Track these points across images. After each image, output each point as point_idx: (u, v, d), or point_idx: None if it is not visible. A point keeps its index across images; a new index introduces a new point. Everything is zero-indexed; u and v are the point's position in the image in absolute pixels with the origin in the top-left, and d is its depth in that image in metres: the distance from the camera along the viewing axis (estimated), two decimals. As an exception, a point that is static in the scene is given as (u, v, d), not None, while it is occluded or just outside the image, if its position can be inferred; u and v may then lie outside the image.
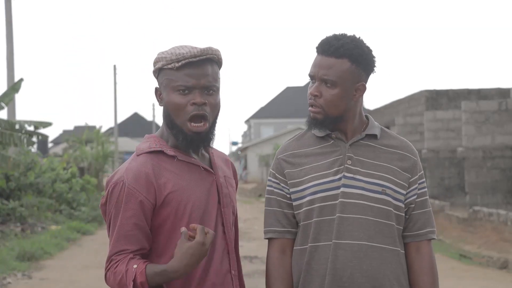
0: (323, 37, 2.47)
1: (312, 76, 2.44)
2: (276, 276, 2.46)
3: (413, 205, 2.48)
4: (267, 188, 2.55)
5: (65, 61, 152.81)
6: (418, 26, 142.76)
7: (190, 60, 2.37)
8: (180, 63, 2.37)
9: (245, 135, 68.36)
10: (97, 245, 14.09)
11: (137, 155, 2.44)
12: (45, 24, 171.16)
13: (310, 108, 2.44)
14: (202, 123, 2.39)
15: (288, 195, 2.48)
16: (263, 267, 8.98)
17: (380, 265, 2.38)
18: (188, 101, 2.38)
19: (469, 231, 14.26)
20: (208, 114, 2.40)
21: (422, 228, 2.49)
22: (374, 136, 2.49)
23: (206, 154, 2.54)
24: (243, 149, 57.39)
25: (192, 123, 2.38)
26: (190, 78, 2.37)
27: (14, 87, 14.76)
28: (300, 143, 2.53)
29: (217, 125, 2.49)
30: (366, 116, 2.54)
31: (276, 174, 2.51)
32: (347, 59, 2.39)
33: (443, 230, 15.26)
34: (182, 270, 2.21)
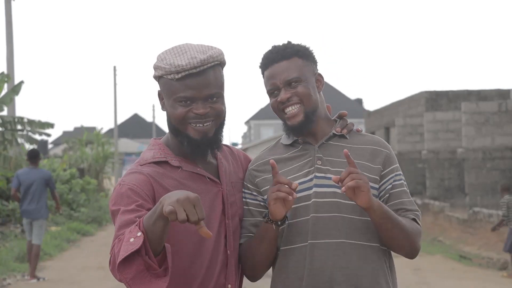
0: (262, 55, 2.50)
1: (273, 88, 2.44)
2: (254, 252, 2.42)
3: (387, 195, 2.43)
4: (242, 199, 2.52)
5: (65, 62, 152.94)
6: (418, 27, 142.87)
7: (190, 72, 2.29)
8: (179, 75, 2.29)
9: (245, 136, 68.34)
10: (97, 246, 14.09)
11: (141, 165, 2.35)
12: (45, 25, 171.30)
13: (289, 112, 2.42)
14: (205, 124, 2.32)
15: (262, 203, 2.47)
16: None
17: (360, 262, 2.36)
18: (189, 110, 2.30)
19: (469, 232, 14.26)
20: (212, 118, 2.33)
21: (404, 205, 2.43)
22: (343, 137, 2.48)
23: (214, 161, 2.46)
24: (243, 150, 57.17)
25: (196, 125, 2.31)
26: (190, 89, 2.29)
27: (14, 89, 14.78)
28: (271, 152, 2.56)
29: (223, 129, 2.41)
30: (335, 120, 2.55)
31: (248, 185, 2.51)
32: (296, 56, 2.45)
33: (443, 231, 15.26)
34: (163, 201, 2.02)
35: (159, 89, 2.40)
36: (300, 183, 2.40)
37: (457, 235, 14.62)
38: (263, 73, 2.50)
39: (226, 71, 2.45)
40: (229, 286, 2.39)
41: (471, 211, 14.42)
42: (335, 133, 2.48)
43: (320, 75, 2.50)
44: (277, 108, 2.46)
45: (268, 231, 2.35)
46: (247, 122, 65.03)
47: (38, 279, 10.06)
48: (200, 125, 2.32)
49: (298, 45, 2.49)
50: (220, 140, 2.41)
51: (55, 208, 10.28)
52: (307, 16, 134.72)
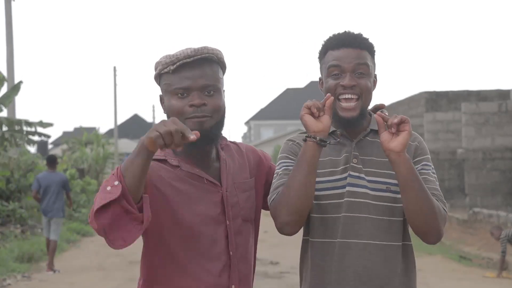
0: (331, 34, 2.48)
1: (337, 69, 2.39)
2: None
3: None
4: (282, 167, 2.44)
5: (65, 62, 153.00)
6: (418, 27, 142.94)
7: (185, 61, 2.33)
8: (175, 66, 2.34)
9: (245, 137, 68.32)
10: (97, 246, 14.08)
11: None
12: (45, 25, 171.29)
13: (345, 105, 2.38)
14: (203, 118, 2.32)
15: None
16: (264, 268, 9.03)
17: (386, 263, 2.37)
18: (186, 103, 2.33)
19: (469, 232, 14.26)
20: (209, 115, 2.33)
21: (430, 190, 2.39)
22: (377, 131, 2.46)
23: (217, 163, 2.46)
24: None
25: (193, 119, 2.31)
26: (186, 79, 2.33)
27: (14, 89, 14.78)
28: None
29: (223, 127, 2.41)
30: (370, 113, 2.55)
31: (290, 156, 2.46)
32: (367, 51, 2.45)
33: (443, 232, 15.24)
34: (144, 137, 2.05)
35: (160, 93, 2.44)
36: (335, 180, 2.41)
37: (457, 235, 14.62)
38: (325, 52, 2.46)
39: (226, 71, 2.47)
40: (233, 286, 2.40)
41: (471, 212, 14.42)
42: (373, 128, 2.47)
43: (376, 76, 2.50)
44: (334, 91, 2.40)
45: (307, 151, 2.28)
46: (247, 123, 65.02)
47: (54, 271, 10.93)
48: (198, 119, 2.32)
49: (370, 41, 2.47)
50: (218, 136, 2.40)
51: (67, 205, 11.82)
52: (307, 17, 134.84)
